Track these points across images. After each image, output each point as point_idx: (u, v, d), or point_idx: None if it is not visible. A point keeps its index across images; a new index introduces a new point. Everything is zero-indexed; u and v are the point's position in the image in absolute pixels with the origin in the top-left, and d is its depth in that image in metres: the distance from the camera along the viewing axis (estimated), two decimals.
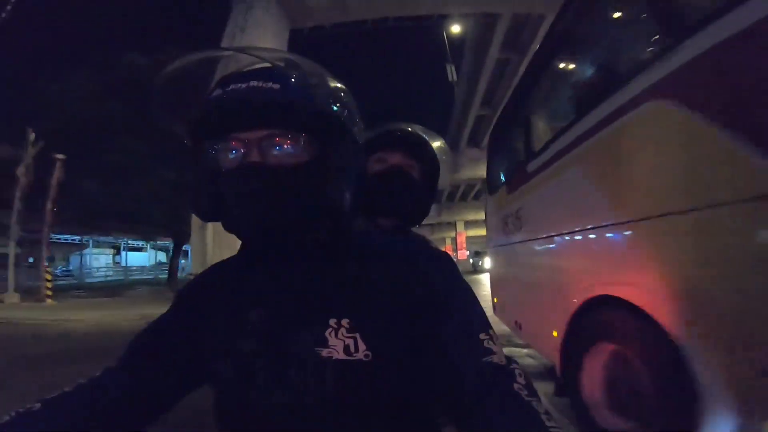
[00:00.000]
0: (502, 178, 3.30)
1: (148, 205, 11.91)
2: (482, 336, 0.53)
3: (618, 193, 1.53)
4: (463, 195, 32.94)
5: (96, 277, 21.22)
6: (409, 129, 1.13)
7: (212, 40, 10.23)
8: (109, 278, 20.08)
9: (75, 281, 18.49)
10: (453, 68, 26.10)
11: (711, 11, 1.08)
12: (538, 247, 2.41)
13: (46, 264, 9.94)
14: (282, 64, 0.56)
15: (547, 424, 0.43)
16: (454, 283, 0.58)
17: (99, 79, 10.70)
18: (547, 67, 2.52)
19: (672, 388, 1.27)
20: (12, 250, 9.53)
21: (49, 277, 9.78)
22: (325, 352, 0.52)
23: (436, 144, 1.16)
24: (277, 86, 0.52)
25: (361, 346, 0.52)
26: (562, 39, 2.27)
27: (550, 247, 2.21)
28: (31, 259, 17.64)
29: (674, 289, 1.24)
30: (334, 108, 0.56)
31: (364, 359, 0.52)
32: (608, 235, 1.59)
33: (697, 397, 1.16)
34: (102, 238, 22.71)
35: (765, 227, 0.96)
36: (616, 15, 1.83)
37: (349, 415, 0.52)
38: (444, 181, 1.16)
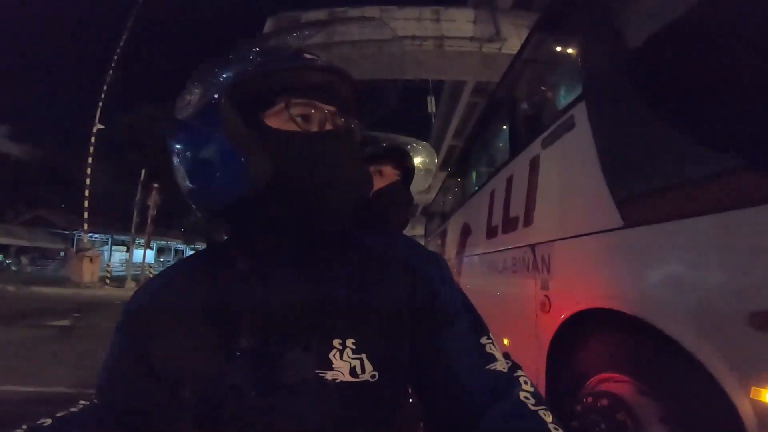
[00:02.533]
0: (426, 234, 7.70)
1: (194, 216, 15.94)
2: (484, 340, 0.52)
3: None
4: None
5: (118, 271, 23.60)
6: (399, 141, 1.17)
7: None
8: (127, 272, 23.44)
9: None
10: (432, 100, 30.52)
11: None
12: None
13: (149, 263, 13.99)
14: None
15: None
16: (451, 286, 0.57)
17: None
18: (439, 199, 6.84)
19: None
20: (130, 255, 13.45)
21: (152, 269, 13.82)
22: (329, 375, 0.49)
23: (419, 159, 1.23)
24: (352, 77, 0.56)
25: (368, 367, 0.50)
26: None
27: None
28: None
29: None
30: (380, 108, 0.61)
31: (370, 380, 0.49)
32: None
33: None
34: (118, 237, 25.42)
35: None
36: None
37: None
38: (416, 187, 1.22)
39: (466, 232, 3.89)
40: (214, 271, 0.56)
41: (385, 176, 1.07)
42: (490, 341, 0.53)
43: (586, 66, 1.71)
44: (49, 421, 0.50)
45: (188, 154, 0.53)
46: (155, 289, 0.59)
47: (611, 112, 1.47)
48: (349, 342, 0.50)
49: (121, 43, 13.03)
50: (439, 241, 5.66)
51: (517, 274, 2.15)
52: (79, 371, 3.45)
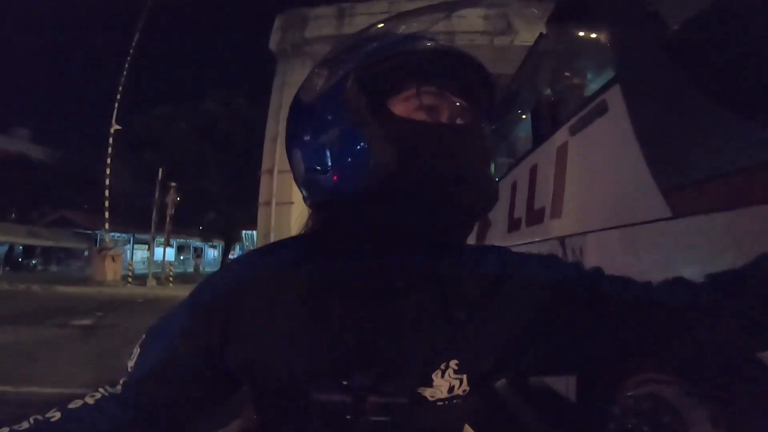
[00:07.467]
0: None
1: (212, 215, 16.58)
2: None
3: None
4: None
5: (141, 269, 24.06)
6: None
7: (264, 92, 14.12)
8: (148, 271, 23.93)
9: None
10: None
11: None
12: None
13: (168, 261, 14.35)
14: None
15: None
16: (570, 267, 0.56)
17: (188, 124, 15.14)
18: None
19: None
20: (151, 254, 13.86)
21: (171, 268, 14.20)
22: (428, 393, 0.49)
23: None
24: (488, 70, 0.51)
25: (464, 385, 0.50)
26: None
27: None
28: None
29: None
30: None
31: (461, 394, 0.50)
32: None
33: None
34: (140, 235, 25.96)
35: None
36: None
37: None
38: None
39: (485, 224, 3.80)
40: (319, 276, 0.51)
41: None
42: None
43: (620, 46, 1.60)
44: (58, 414, 0.47)
45: (307, 138, 0.50)
46: (251, 277, 0.53)
47: (650, 93, 1.37)
48: (453, 363, 0.50)
49: (134, 44, 13.22)
50: None
51: None
52: (100, 372, 3.49)
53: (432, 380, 0.49)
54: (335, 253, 0.51)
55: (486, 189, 0.48)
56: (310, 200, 0.54)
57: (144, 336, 0.55)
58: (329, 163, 0.47)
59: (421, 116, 0.47)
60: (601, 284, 0.52)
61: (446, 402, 0.50)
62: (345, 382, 0.47)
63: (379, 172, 0.44)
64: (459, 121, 0.49)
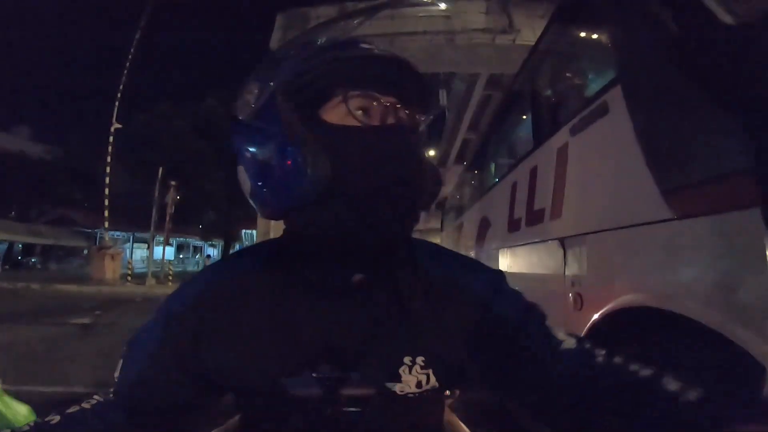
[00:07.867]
0: (442, 227, 7.72)
1: (212, 214, 16.64)
2: (554, 331, 0.52)
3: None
4: None
5: (140, 268, 24.24)
6: None
7: None
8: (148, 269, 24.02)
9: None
10: (444, 93, 30.18)
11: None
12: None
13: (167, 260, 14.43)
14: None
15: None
16: (512, 295, 0.56)
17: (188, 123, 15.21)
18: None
19: None
20: (150, 253, 13.85)
21: (171, 266, 14.29)
22: (397, 388, 0.50)
23: None
24: (419, 70, 0.52)
25: (432, 380, 0.51)
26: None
27: None
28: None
29: None
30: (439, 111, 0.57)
31: (431, 389, 0.52)
32: None
33: None
34: (140, 234, 25.97)
35: None
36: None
37: None
38: None
39: (484, 225, 3.80)
40: (281, 279, 0.54)
41: None
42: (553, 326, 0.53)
43: (621, 47, 1.59)
44: (57, 418, 0.48)
45: (248, 154, 0.51)
46: (218, 285, 0.55)
47: (651, 95, 1.37)
48: (419, 359, 0.51)
49: (134, 43, 13.21)
50: (456, 235, 5.60)
51: (543, 268, 2.05)
52: (98, 370, 3.48)
53: (399, 375, 0.51)
54: (295, 256, 0.54)
55: (419, 183, 0.50)
56: (260, 213, 0.55)
57: (125, 347, 0.57)
58: (271, 177, 0.49)
59: (351, 121, 0.49)
60: (523, 333, 0.51)
61: (417, 395, 0.52)
62: (314, 375, 0.50)
63: (316, 179, 0.45)
64: (391, 120, 0.51)
